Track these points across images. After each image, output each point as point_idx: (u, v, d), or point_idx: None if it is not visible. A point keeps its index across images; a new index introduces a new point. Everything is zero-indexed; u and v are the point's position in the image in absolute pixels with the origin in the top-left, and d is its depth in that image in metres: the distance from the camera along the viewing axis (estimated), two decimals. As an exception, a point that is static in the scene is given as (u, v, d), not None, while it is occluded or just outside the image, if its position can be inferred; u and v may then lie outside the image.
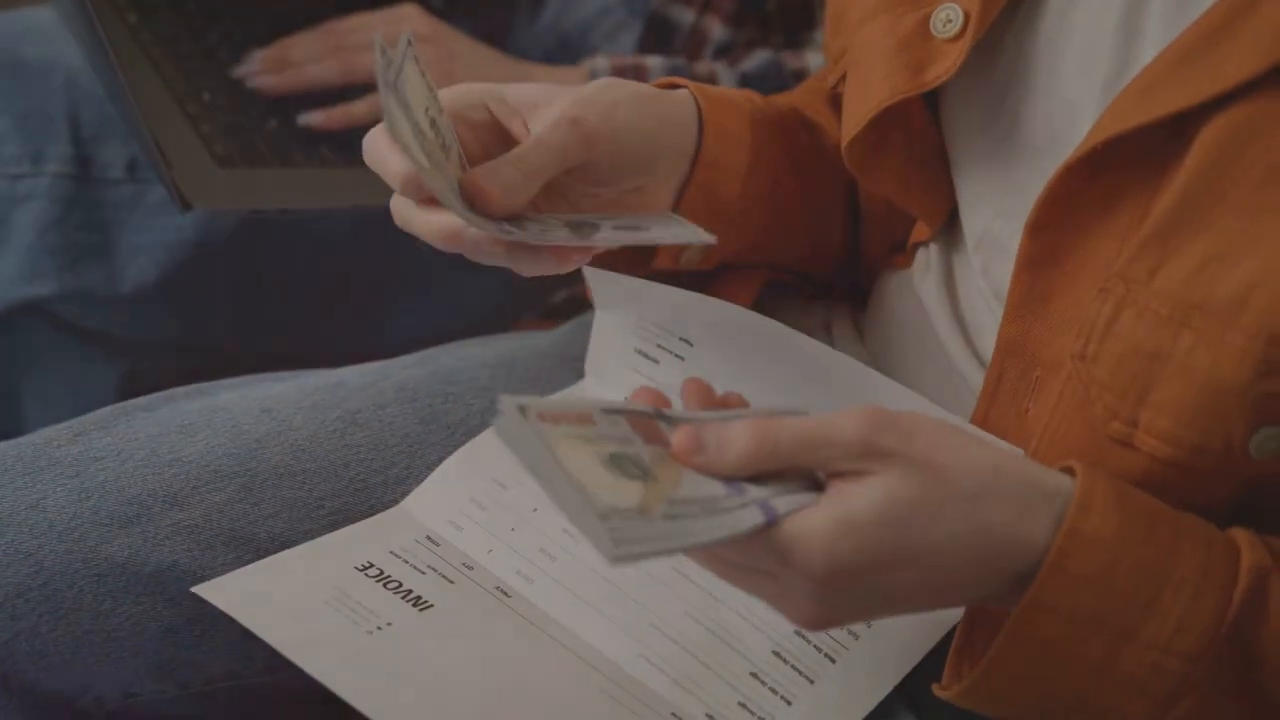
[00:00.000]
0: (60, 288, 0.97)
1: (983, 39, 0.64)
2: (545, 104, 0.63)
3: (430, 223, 0.59)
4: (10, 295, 0.97)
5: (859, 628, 0.62)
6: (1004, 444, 0.59)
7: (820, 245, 0.77)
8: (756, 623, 0.62)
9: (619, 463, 0.51)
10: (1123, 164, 0.57)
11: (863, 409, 0.52)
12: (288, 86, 0.96)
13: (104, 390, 1.00)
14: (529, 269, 0.61)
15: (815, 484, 0.53)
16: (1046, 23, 0.63)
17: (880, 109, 0.64)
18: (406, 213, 0.61)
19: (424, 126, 0.57)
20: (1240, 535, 0.55)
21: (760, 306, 0.79)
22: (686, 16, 1.08)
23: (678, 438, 0.52)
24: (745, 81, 1.01)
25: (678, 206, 0.67)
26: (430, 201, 0.59)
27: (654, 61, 1.02)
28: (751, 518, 0.51)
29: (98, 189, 0.97)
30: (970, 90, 0.66)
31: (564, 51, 1.10)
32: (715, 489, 0.52)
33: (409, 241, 0.62)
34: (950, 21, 0.63)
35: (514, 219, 0.60)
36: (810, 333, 0.79)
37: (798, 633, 0.62)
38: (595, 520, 0.48)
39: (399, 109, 0.55)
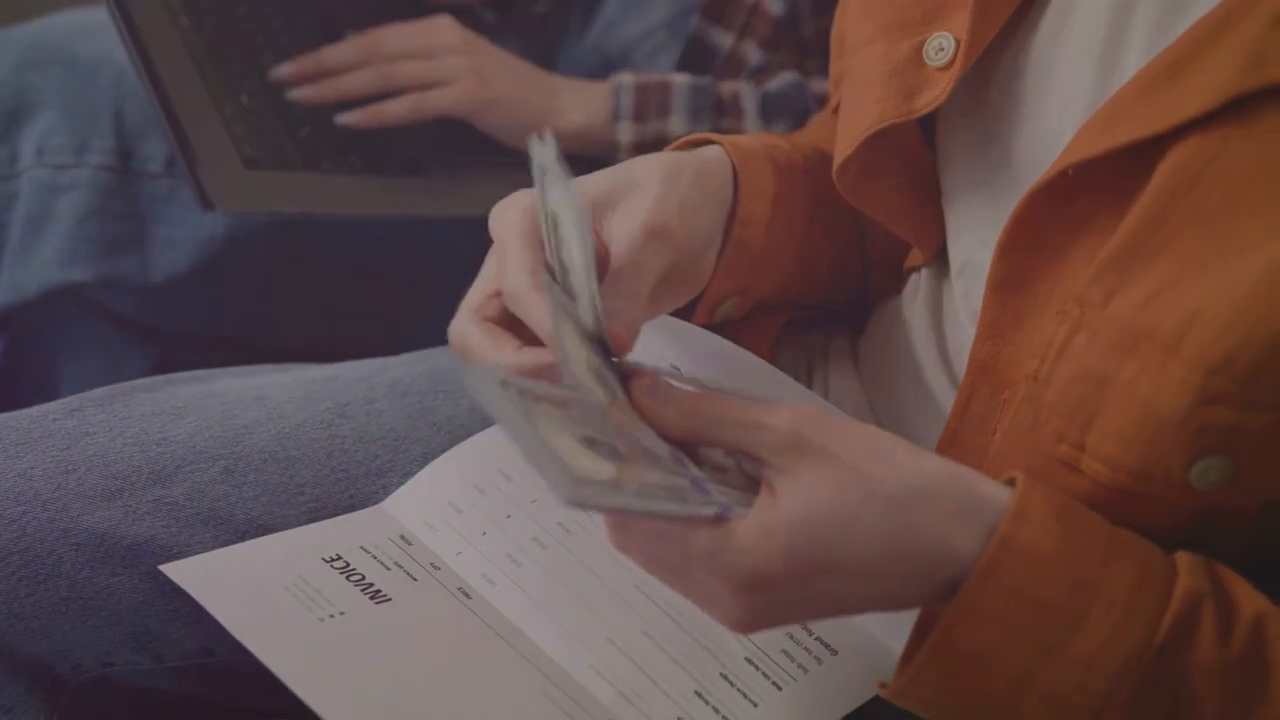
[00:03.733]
0: (95, 274, 1.01)
1: (977, 69, 0.65)
2: (612, 205, 0.62)
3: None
4: (49, 279, 1.01)
5: (809, 663, 0.62)
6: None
7: (844, 279, 0.77)
8: (709, 645, 0.62)
9: (593, 444, 0.52)
10: (1092, 190, 0.57)
11: (801, 404, 0.53)
12: (325, 97, 0.99)
13: (136, 376, 1.03)
14: None
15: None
16: (1035, 54, 0.63)
17: (868, 134, 0.65)
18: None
19: (591, 384, 0.56)
20: (1183, 559, 0.54)
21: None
22: (725, 40, 1.10)
23: (638, 381, 0.54)
24: (768, 100, 1.02)
25: (716, 269, 0.67)
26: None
27: (680, 79, 1.04)
28: (704, 511, 0.52)
29: (137, 182, 1.02)
30: (963, 119, 0.67)
31: (606, 70, 1.12)
32: (680, 482, 0.53)
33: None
34: (942, 50, 0.63)
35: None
36: (809, 357, 0.80)
37: (748, 660, 0.62)
38: (557, 461, 0.49)
39: (572, 338, 0.56)
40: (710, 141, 0.69)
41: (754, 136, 0.72)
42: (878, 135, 0.65)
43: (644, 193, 0.62)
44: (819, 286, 0.76)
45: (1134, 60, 0.58)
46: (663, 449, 0.54)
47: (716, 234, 0.66)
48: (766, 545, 0.51)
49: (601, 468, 0.51)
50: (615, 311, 0.59)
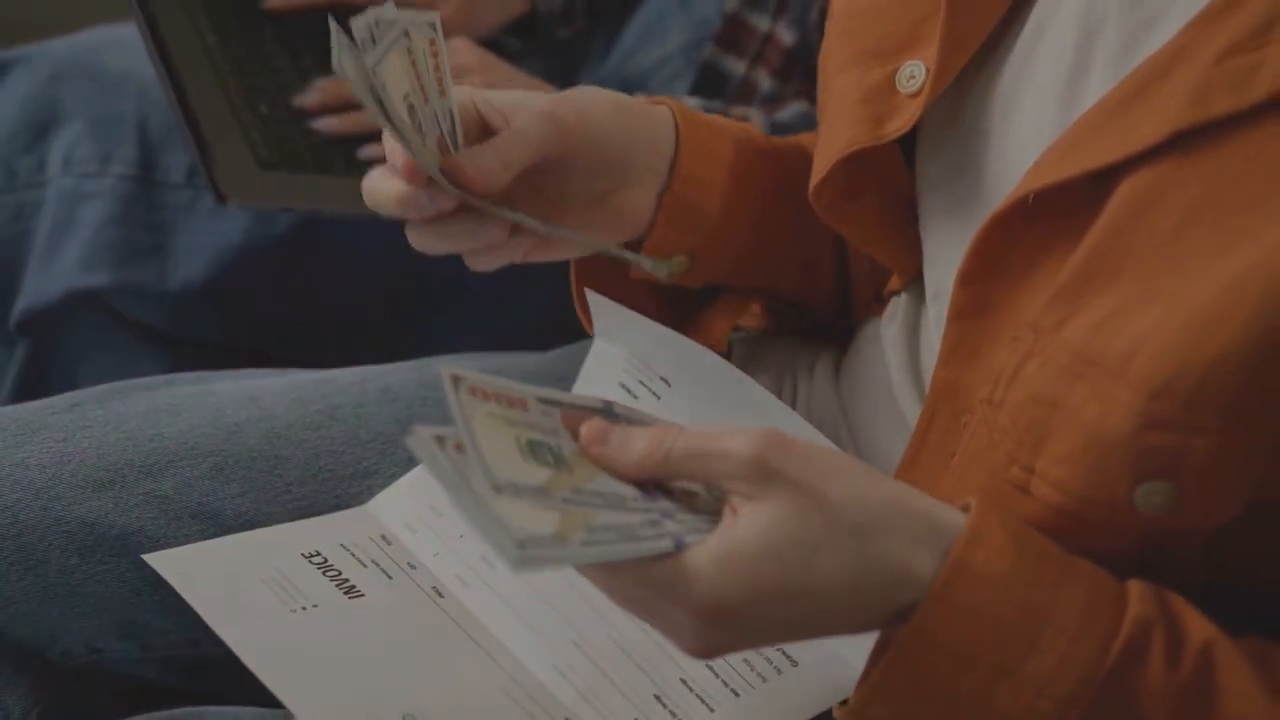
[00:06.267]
0: (114, 280, 1.04)
1: (952, 97, 0.66)
2: (526, 104, 0.66)
3: (391, 188, 0.63)
4: (70, 284, 1.05)
5: (768, 672, 0.63)
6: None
7: (813, 275, 0.78)
8: (670, 650, 0.63)
9: (535, 448, 0.53)
10: (1049, 219, 0.58)
11: (759, 429, 0.53)
12: (346, 131, 1.03)
13: (151, 380, 1.07)
14: (477, 255, 0.65)
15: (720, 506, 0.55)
16: (1004, 84, 0.64)
17: (839, 157, 0.66)
18: (373, 183, 0.64)
19: (399, 110, 0.61)
20: (1134, 587, 0.55)
21: (756, 343, 0.81)
22: (738, 68, 1.12)
23: (585, 426, 0.55)
24: (776, 129, 1.04)
25: (658, 218, 0.69)
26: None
27: (691, 101, 1.06)
28: (660, 547, 0.52)
29: (158, 192, 1.05)
30: (939, 146, 0.68)
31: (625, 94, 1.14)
32: (626, 490, 0.54)
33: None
34: (914, 78, 0.65)
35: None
36: (794, 374, 0.81)
37: (708, 666, 0.63)
38: (499, 525, 0.49)
39: (359, 79, 0.59)
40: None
41: (725, 118, 0.74)
42: (853, 159, 0.66)
43: (553, 94, 0.67)
44: (784, 278, 0.76)
45: (1095, 93, 0.59)
46: (627, 490, 0.54)
47: (643, 172, 0.68)
48: (726, 574, 0.52)
49: (535, 473, 0.51)
50: (473, 156, 0.63)
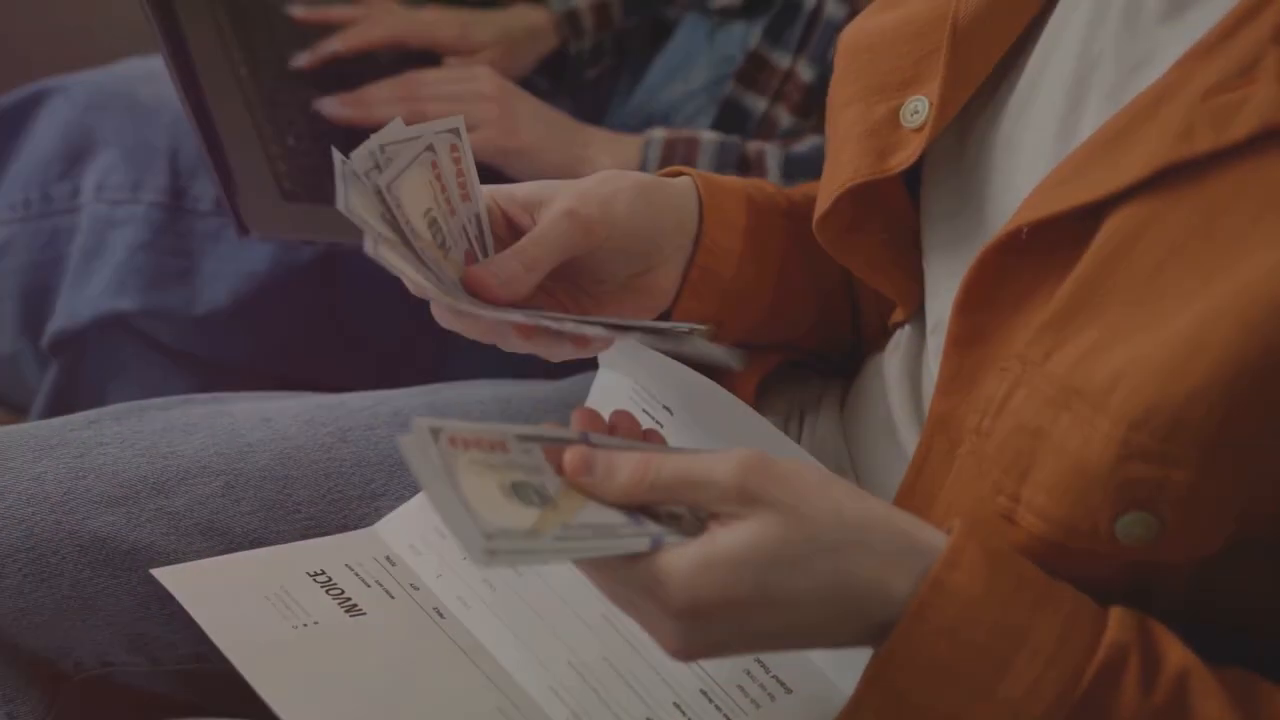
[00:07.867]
0: (142, 304, 1.07)
1: (957, 132, 0.67)
2: (550, 199, 0.66)
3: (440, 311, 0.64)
4: (100, 307, 1.07)
5: (762, 698, 0.64)
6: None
7: (831, 325, 0.79)
8: (665, 675, 0.64)
9: (520, 490, 0.54)
10: (1041, 252, 0.59)
11: (743, 452, 0.55)
12: (353, 121, 1.04)
13: (178, 403, 1.09)
14: (550, 353, 0.66)
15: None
16: (1007, 121, 0.65)
17: (843, 190, 0.67)
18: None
19: (419, 229, 0.61)
20: (1115, 612, 0.55)
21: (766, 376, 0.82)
22: (759, 105, 1.13)
23: (568, 456, 0.56)
24: (790, 162, 1.05)
25: (682, 290, 0.70)
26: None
27: (707, 135, 1.07)
28: (637, 546, 0.54)
29: (186, 219, 1.08)
30: (943, 180, 0.69)
31: (648, 129, 1.16)
32: (616, 518, 0.55)
33: None
34: (917, 113, 0.66)
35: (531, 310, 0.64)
36: (802, 404, 0.82)
37: (702, 691, 0.64)
38: (467, 519, 0.50)
39: (369, 213, 0.59)
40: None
41: (737, 178, 0.75)
42: (858, 191, 0.67)
43: (575, 186, 0.67)
44: (803, 329, 0.77)
45: (1089, 129, 0.60)
46: (615, 517, 0.55)
47: (671, 250, 0.69)
48: (705, 576, 0.53)
49: (522, 515, 0.52)
50: (494, 265, 0.63)
